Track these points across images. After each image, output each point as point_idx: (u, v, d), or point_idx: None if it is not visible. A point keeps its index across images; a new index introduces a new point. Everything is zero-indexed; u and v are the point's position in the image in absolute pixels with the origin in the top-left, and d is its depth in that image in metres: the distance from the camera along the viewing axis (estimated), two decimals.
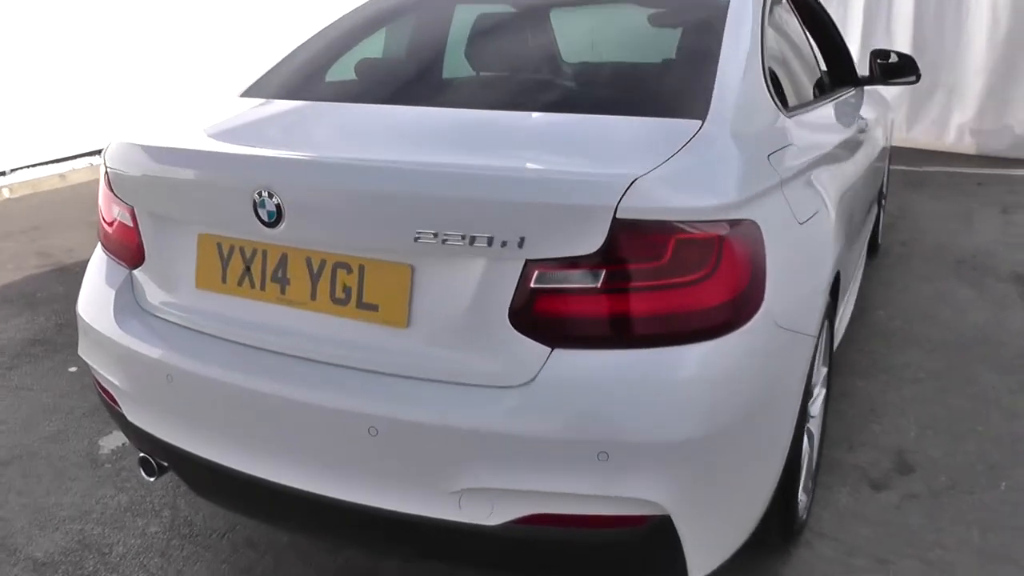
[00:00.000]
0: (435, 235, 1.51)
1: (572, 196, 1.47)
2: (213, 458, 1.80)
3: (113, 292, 2.00)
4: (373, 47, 2.59)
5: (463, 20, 2.60)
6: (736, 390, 1.55)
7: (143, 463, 2.07)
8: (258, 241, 1.74)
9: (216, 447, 1.79)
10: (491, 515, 1.55)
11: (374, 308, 1.63)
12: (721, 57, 1.98)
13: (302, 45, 2.59)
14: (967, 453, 2.69)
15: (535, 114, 1.90)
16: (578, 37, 2.68)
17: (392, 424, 1.55)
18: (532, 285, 1.51)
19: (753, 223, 1.61)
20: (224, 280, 1.80)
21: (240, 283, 1.78)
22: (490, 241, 1.48)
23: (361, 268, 1.63)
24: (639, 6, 2.58)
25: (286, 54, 2.57)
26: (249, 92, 2.37)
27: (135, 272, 2.00)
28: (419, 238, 1.52)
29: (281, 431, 1.67)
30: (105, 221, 2.09)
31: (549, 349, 1.52)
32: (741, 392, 1.56)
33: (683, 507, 1.53)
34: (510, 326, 1.53)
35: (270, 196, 1.62)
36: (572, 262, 1.49)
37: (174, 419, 1.84)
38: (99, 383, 2.11)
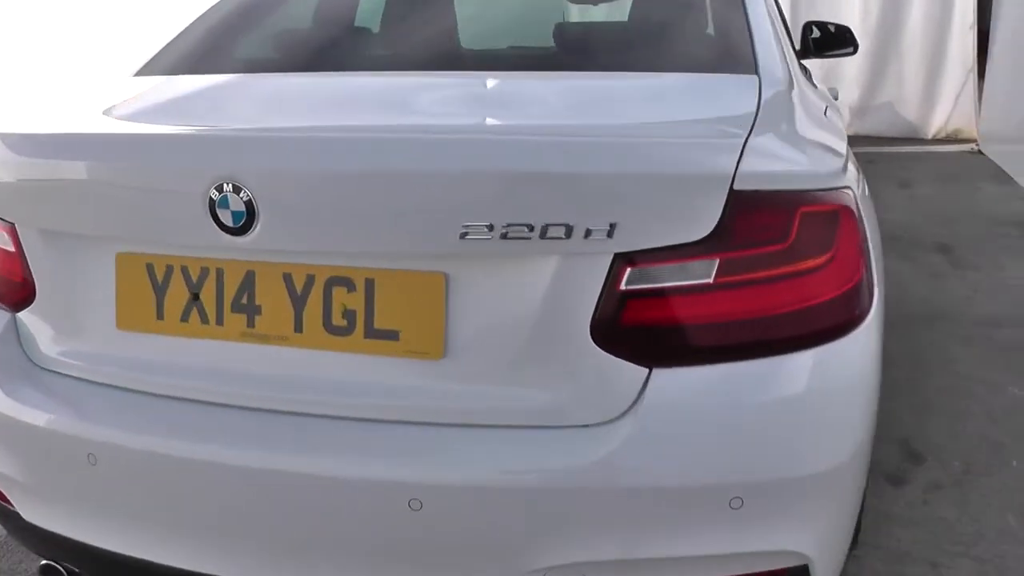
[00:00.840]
0: (490, 227, 1.10)
1: (678, 164, 1.11)
2: (163, 560, 1.30)
3: None
4: (293, 16, 2.12)
5: None
6: (870, 397, 1.23)
7: (47, 572, 1.52)
8: (212, 256, 1.26)
9: (169, 546, 1.29)
10: None
11: (392, 336, 1.19)
12: (748, 7, 1.69)
13: (198, 20, 2.07)
14: (969, 434, 2.57)
15: (564, 75, 1.51)
16: None
17: (441, 492, 1.12)
18: (623, 287, 1.13)
19: (851, 191, 1.30)
20: (160, 315, 1.31)
21: (185, 317, 1.29)
22: (568, 231, 1.09)
23: (369, 283, 1.19)
24: None
25: (178, 32, 2.05)
26: (148, 70, 1.84)
27: (19, 316, 1.45)
28: (467, 233, 1.10)
29: (267, 518, 1.20)
30: None
31: (646, 370, 1.14)
32: (870, 399, 1.25)
33: (822, 551, 1.20)
34: (592, 344, 1.14)
35: (235, 191, 1.15)
36: (675, 253, 1.12)
37: (100, 513, 1.33)
38: None
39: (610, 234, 1.10)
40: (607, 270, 1.13)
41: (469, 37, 2.00)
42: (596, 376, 1.15)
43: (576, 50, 1.84)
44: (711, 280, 1.13)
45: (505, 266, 1.15)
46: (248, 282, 1.25)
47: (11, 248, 1.43)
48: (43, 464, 1.37)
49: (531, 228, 1.10)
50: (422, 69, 1.64)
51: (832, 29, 3.26)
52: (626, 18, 2.22)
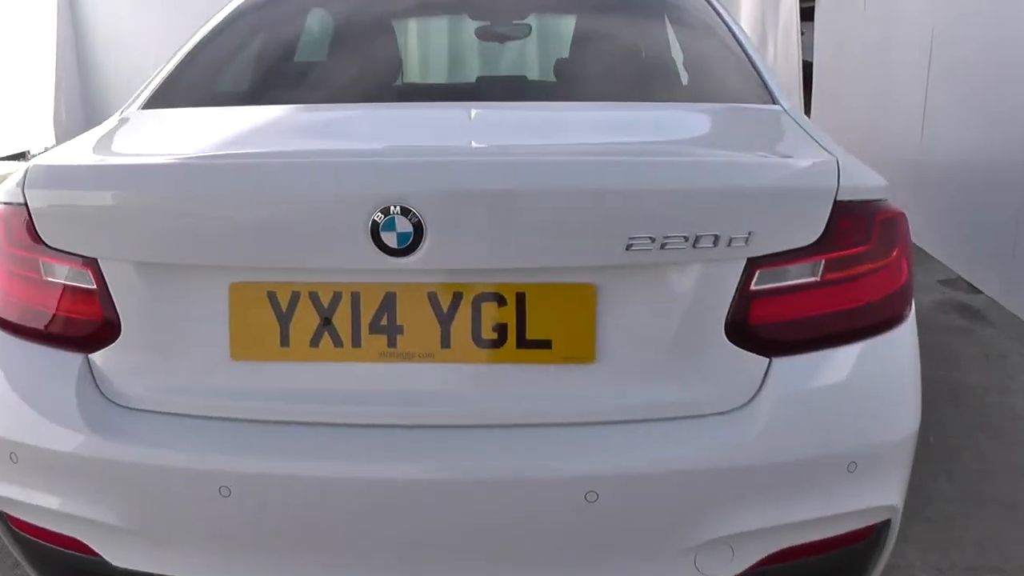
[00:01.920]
0: (652, 239, 1.21)
1: (801, 180, 1.28)
2: None
3: (66, 390, 1.35)
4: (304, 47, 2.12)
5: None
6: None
7: None
8: (347, 281, 1.28)
9: (303, 572, 1.28)
10: (731, 565, 1.29)
11: (545, 345, 1.28)
12: (743, 43, 1.92)
13: (204, 49, 2.02)
14: None
15: (627, 105, 1.66)
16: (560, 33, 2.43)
17: (614, 483, 1.22)
18: (753, 288, 1.29)
19: None
20: (285, 342, 1.30)
21: (315, 342, 1.30)
22: (716, 240, 1.24)
23: (520, 297, 1.27)
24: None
25: (178, 62, 1.98)
26: (159, 103, 1.79)
27: (93, 357, 1.37)
28: (631, 245, 1.21)
29: (435, 529, 1.24)
30: (17, 290, 1.41)
31: (767, 360, 1.31)
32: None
33: (902, 504, 1.42)
34: (726, 340, 1.29)
35: (403, 213, 1.19)
36: (792, 256, 1.30)
37: (232, 544, 1.29)
38: (30, 530, 1.43)
39: (747, 241, 1.26)
40: (740, 273, 1.29)
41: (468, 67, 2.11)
42: (729, 369, 1.30)
43: (622, 81, 1.99)
44: (819, 278, 1.32)
45: (651, 274, 1.28)
46: (388, 303, 1.28)
47: (91, 285, 1.35)
48: (156, 503, 1.30)
49: (686, 239, 1.23)
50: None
51: None
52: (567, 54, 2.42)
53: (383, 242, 1.20)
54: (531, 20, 2.30)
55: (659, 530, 1.26)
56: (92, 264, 1.34)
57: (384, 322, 1.28)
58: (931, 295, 4.18)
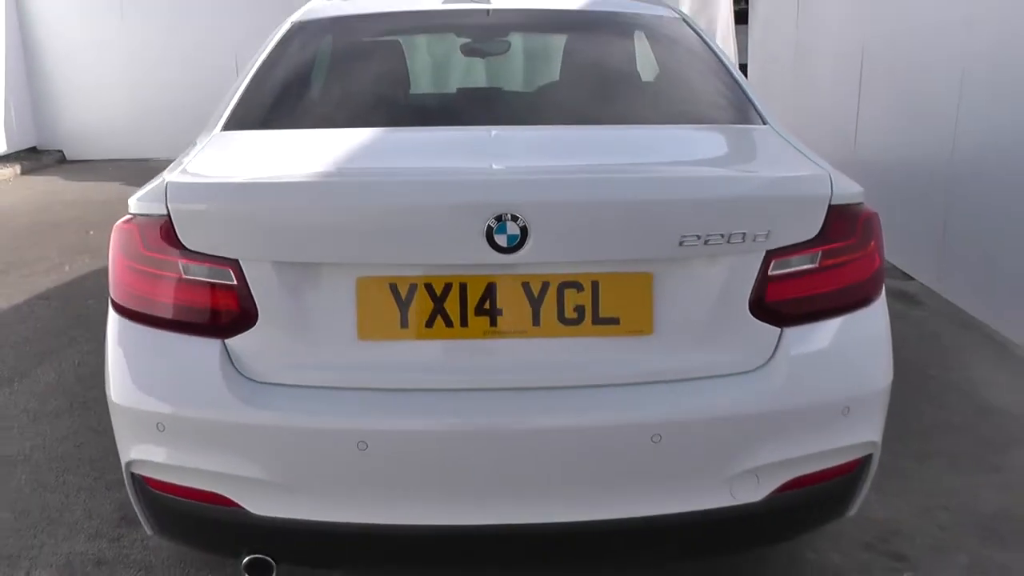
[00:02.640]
0: (698, 237, 1.58)
1: (805, 189, 1.66)
2: (419, 521, 1.61)
3: (211, 369, 1.64)
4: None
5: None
6: None
7: (254, 567, 1.73)
8: (456, 273, 1.60)
9: (428, 508, 1.61)
10: (756, 491, 1.67)
11: (614, 321, 1.63)
12: (729, 66, 2.30)
13: (266, 75, 2.30)
14: None
15: (652, 127, 2.02)
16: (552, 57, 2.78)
17: (674, 426, 1.58)
18: (770, 273, 1.66)
19: None
20: (404, 324, 1.62)
21: (430, 324, 1.62)
22: (744, 236, 1.61)
23: (595, 284, 1.62)
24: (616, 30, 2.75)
25: (245, 87, 2.26)
26: (237, 126, 2.08)
27: (229, 342, 1.66)
28: (683, 242, 1.58)
29: (534, 468, 1.58)
30: (158, 288, 1.68)
31: (779, 330, 1.69)
32: None
33: (880, 440, 1.82)
34: (749, 314, 1.66)
35: (513, 219, 1.52)
36: (798, 248, 1.68)
37: (365, 490, 1.60)
38: (171, 489, 1.70)
39: (767, 238, 1.63)
40: (760, 262, 1.66)
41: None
42: (751, 338, 1.67)
43: (656, 105, 2.36)
44: (817, 264, 1.70)
45: (695, 264, 1.64)
46: (490, 291, 1.61)
47: (232, 282, 1.64)
48: (300, 459, 1.60)
49: (723, 236, 1.60)
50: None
51: None
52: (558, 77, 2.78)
53: (496, 242, 1.53)
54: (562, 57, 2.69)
55: (706, 463, 1.63)
56: (233, 264, 1.63)
57: (487, 306, 1.61)
58: None
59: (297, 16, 2.58)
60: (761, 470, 1.66)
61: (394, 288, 1.61)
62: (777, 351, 1.67)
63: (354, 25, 2.60)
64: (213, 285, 1.65)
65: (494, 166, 1.70)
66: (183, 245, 1.64)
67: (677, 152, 1.94)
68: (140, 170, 8.92)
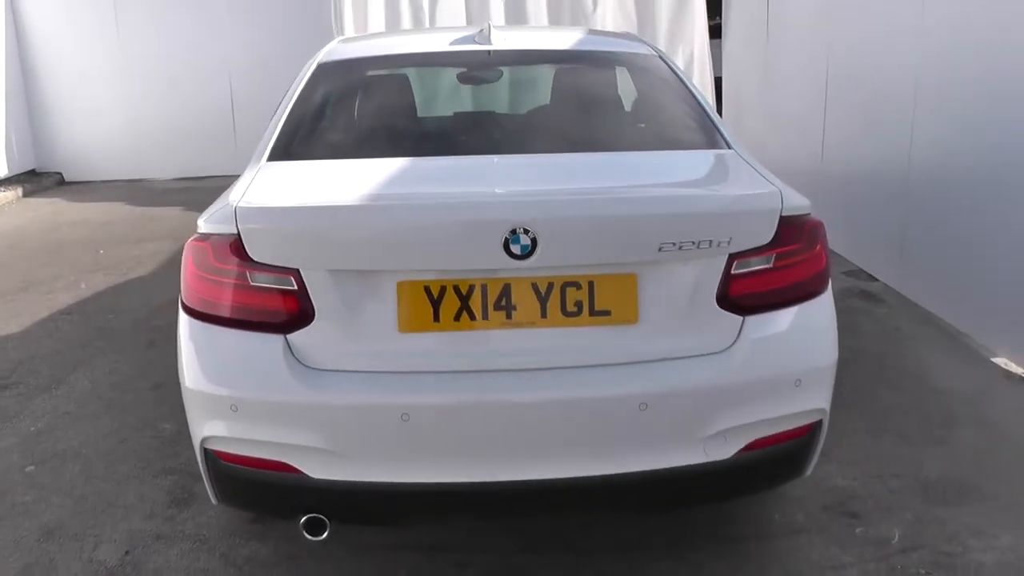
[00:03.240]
0: (674, 244, 1.95)
1: (760, 204, 2.05)
2: (452, 479, 1.97)
3: (276, 359, 1.99)
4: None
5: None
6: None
7: (311, 524, 2.07)
8: (478, 277, 1.96)
9: (459, 468, 1.97)
10: (725, 450, 2.04)
11: (606, 313, 2.00)
12: (699, 98, 2.69)
13: (299, 111, 2.66)
14: None
15: (632, 153, 2.41)
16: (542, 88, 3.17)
17: (657, 397, 1.95)
18: (732, 272, 2.04)
19: None
20: (436, 319, 1.98)
21: (457, 318, 1.98)
22: (711, 243, 1.98)
23: (590, 284, 1.99)
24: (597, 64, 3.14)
25: (283, 120, 2.61)
26: (279, 157, 2.42)
27: (290, 336, 2.01)
28: (662, 248, 1.95)
29: (539, 433, 1.94)
30: (228, 294, 2.03)
31: (741, 318, 2.06)
32: None
33: (828, 409, 2.19)
34: (716, 306, 2.04)
35: (525, 232, 1.89)
36: (755, 251, 2.05)
37: (409, 454, 1.95)
38: (241, 460, 2.04)
39: (729, 243, 2.01)
40: (724, 264, 2.03)
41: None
42: (718, 325, 2.04)
43: (636, 134, 2.73)
44: (772, 265, 2.08)
45: (670, 266, 2.01)
46: (505, 291, 1.98)
47: (293, 287, 1.99)
48: (352, 430, 1.96)
49: (694, 243, 1.97)
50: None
51: None
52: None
53: (511, 251, 1.90)
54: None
55: (683, 426, 2.00)
56: (294, 272, 1.99)
57: (503, 303, 1.98)
58: (836, 283, 4.95)
59: (321, 58, 2.95)
60: (728, 432, 2.03)
61: (427, 289, 1.98)
62: (740, 335, 2.05)
63: (373, 66, 2.97)
64: (277, 290, 2.00)
65: (509, 189, 2.08)
66: (251, 258, 1.99)
67: (655, 174, 2.32)
68: (138, 190, 9.27)
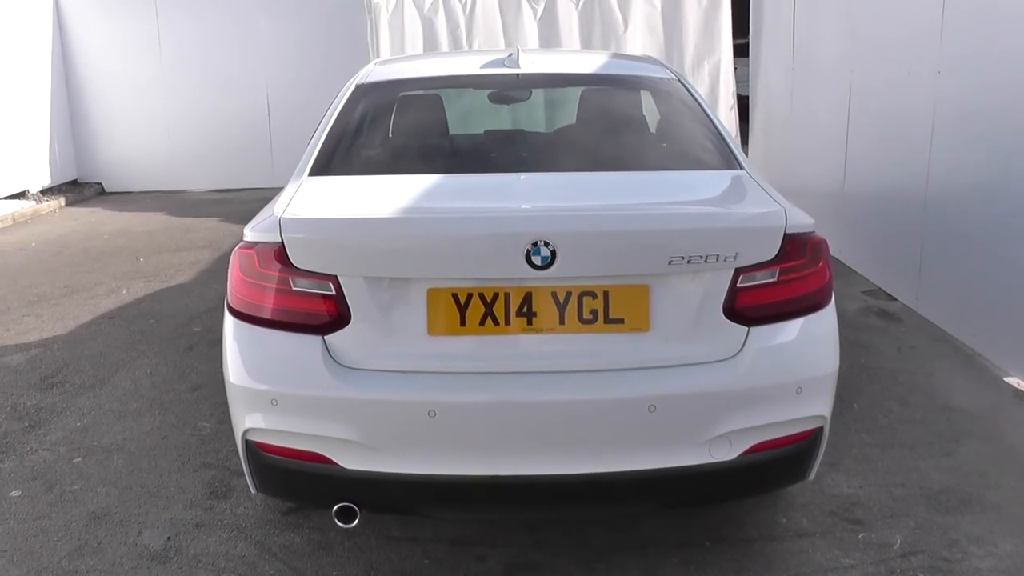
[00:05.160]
0: (683, 258, 2.11)
1: (765, 222, 2.19)
2: (474, 472, 2.13)
3: (315, 358, 2.15)
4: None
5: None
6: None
7: (343, 512, 2.23)
8: (502, 286, 2.12)
9: (481, 462, 2.12)
10: (730, 451, 2.17)
11: (620, 321, 2.15)
12: (715, 121, 2.85)
13: (338, 129, 2.85)
14: None
15: (649, 172, 2.57)
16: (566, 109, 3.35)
17: (666, 399, 2.10)
18: (738, 285, 2.19)
19: None
20: (463, 323, 2.15)
21: (482, 323, 2.15)
22: (718, 258, 2.13)
23: (605, 293, 2.15)
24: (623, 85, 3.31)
25: (325, 136, 2.81)
26: (320, 172, 2.60)
27: (328, 337, 2.18)
28: (671, 261, 2.10)
29: (553, 430, 2.09)
30: (271, 298, 2.19)
31: (747, 328, 2.20)
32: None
33: (830, 416, 2.32)
34: (723, 316, 2.18)
35: (546, 244, 2.06)
36: (760, 266, 2.20)
37: (436, 447, 2.11)
38: (280, 451, 2.21)
39: (735, 258, 2.16)
40: (731, 277, 2.18)
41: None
42: (725, 334, 2.18)
43: (649, 153, 2.90)
44: (776, 279, 2.22)
45: (680, 278, 2.16)
46: (527, 298, 2.14)
47: (332, 292, 2.17)
48: (382, 425, 2.12)
49: (702, 257, 2.12)
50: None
51: None
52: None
53: (532, 262, 2.06)
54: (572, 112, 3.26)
55: (689, 428, 2.14)
56: (333, 279, 2.17)
57: (525, 310, 2.14)
58: (855, 303, 5.16)
59: (360, 79, 3.15)
60: (732, 435, 2.17)
61: (455, 296, 2.14)
62: (745, 345, 2.19)
63: (407, 87, 3.17)
64: (317, 295, 2.17)
65: (532, 205, 2.25)
66: (293, 265, 2.17)
67: (669, 193, 2.48)
68: (176, 201, 9.59)
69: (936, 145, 4.59)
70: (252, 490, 2.41)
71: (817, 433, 2.29)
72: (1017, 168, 3.81)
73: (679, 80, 3.16)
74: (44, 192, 9.56)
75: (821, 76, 6.39)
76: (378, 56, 8.55)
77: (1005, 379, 3.96)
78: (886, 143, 5.27)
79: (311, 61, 9.66)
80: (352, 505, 2.22)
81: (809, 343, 2.24)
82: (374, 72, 3.24)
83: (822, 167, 6.24)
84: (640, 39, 8.37)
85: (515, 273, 2.08)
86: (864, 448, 3.29)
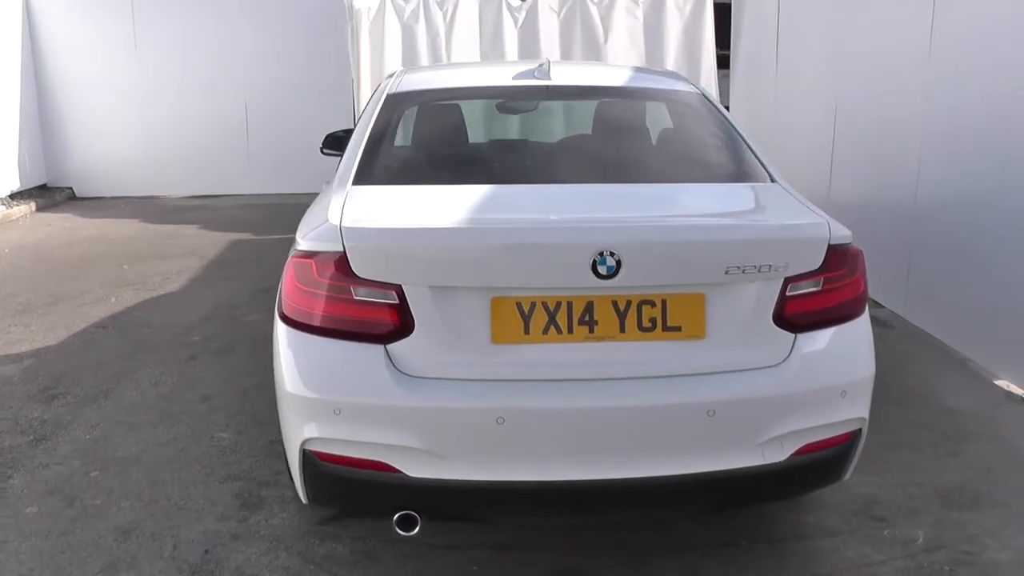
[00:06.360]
0: (738, 268, 2.19)
1: (812, 233, 2.29)
2: (542, 478, 2.18)
3: (378, 367, 2.18)
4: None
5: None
6: None
7: (404, 520, 2.26)
8: (565, 294, 2.18)
9: (548, 467, 2.17)
10: (781, 453, 2.26)
11: (678, 329, 2.23)
12: (743, 135, 2.95)
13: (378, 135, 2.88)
14: None
15: (695, 184, 2.66)
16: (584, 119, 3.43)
17: (725, 404, 2.18)
18: (787, 294, 2.28)
19: None
20: (527, 332, 2.20)
21: (545, 331, 2.20)
22: (771, 267, 2.22)
23: (663, 302, 2.22)
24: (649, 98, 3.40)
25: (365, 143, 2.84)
26: (364, 181, 2.63)
27: (390, 346, 2.21)
28: (729, 271, 2.19)
29: (625, 436, 2.16)
30: (332, 307, 2.21)
31: (793, 335, 2.30)
32: None
33: (868, 418, 2.43)
34: (772, 324, 2.28)
35: (611, 254, 2.12)
36: (807, 275, 2.29)
37: (505, 454, 2.15)
38: (341, 460, 2.23)
39: (786, 268, 2.25)
40: (780, 286, 2.27)
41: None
42: (774, 341, 2.27)
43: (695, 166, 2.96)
44: (820, 288, 2.32)
45: (733, 287, 2.25)
46: (588, 307, 2.20)
47: (395, 301, 2.20)
48: (449, 432, 2.16)
49: (756, 268, 2.21)
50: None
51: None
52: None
53: (598, 271, 2.13)
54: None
55: (745, 432, 2.22)
56: (397, 288, 2.20)
57: (587, 318, 2.20)
58: None
59: (391, 88, 3.17)
60: (784, 438, 2.26)
61: (519, 305, 2.19)
62: (793, 350, 2.28)
63: (440, 96, 3.21)
64: (380, 304, 2.19)
65: (596, 215, 2.32)
66: (355, 274, 2.20)
67: (720, 205, 2.57)
68: (151, 207, 9.44)
69: (925, 156, 4.77)
70: (304, 500, 2.42)
71: (856, 435, 2.39)
72: (1010, 178, 3.99)
73: (703, 94, 3.26)
74: (13, 196, 9.31)
75: (806, 86, 6.55)
76: (357, 63, 8.53)
77: (995, 382, 4.14)
78: (875, 158, 5.44)
79: (290, 67, 9.58)
80: (413, 513, 2.24)
81: (850, 348, 2.35)
82: (404, 82, 3.27)
83: (806, 176, 6.40)
84: (622, 49, 8.48)
85: (580, 283, 2.14)
86: (873, 450, 3.35)
